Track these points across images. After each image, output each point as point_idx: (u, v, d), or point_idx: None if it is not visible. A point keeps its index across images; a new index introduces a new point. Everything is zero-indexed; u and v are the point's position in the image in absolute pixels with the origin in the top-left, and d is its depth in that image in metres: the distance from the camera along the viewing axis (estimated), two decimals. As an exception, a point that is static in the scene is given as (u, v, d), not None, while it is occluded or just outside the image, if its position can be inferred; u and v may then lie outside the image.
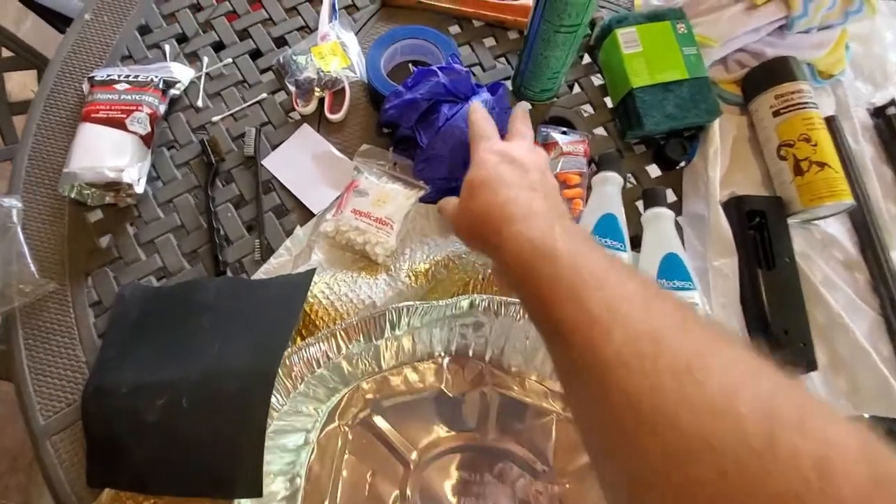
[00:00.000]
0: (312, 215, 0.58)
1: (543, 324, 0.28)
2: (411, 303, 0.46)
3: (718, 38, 0.62)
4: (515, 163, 0.39)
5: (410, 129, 0.56)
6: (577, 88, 0.66)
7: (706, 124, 0.61)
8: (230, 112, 0.63)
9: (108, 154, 0.55)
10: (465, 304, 0.47)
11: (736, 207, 0.58)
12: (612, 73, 0.63)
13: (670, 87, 0.59)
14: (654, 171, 0.64)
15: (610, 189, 0.58)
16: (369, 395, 0.51)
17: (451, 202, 0.43)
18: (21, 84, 0.91)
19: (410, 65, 0.65)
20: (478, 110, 0.47)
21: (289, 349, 0.45)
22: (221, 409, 0.43)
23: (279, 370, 0.44)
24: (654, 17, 0.61)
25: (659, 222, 0.57)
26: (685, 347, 0.22)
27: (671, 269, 0.54)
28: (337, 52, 0.64)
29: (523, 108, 0.49)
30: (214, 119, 0.62)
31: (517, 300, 0.47)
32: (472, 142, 0.44)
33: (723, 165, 0.61)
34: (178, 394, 0.45)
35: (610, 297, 0.25)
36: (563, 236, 0.30)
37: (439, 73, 0.55)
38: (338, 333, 0.45)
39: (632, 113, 0.60)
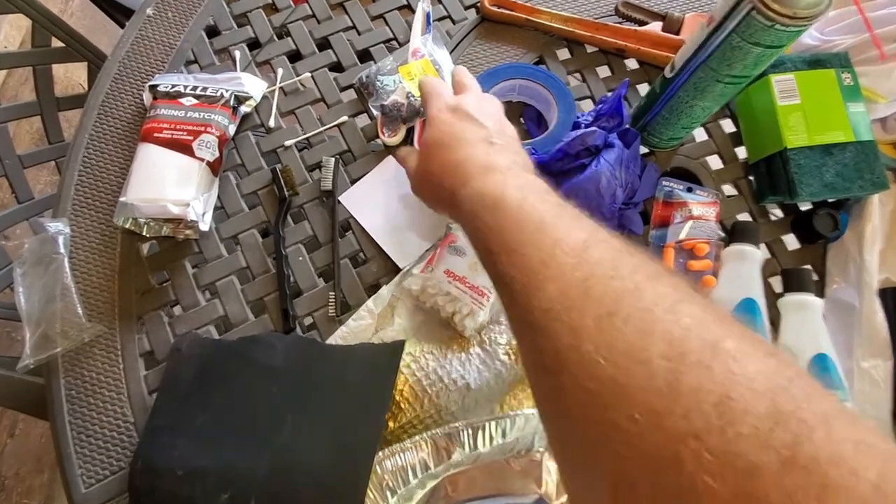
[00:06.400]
0: (395, 267, 0.50)
1: (492, 278, 0.28)
2: (531, 411, 0.38)
3: (888, 94, 0.52)
4: (469, 117, 0.38)
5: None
6: (702, 134, 0.57)
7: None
8: (305, 135, 0.55)
9: (172, 184, 0.47)
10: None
11: (894, 300, 0.49)
12: (757, 125, 0.53)
13: (832, 151, 0.49)
14: (790, 241, 0.54)
15: (748, 267, 0.49)
16: (455, 494, 0.43)
17: (411, 156, 0.42)
18: (66, 76, 0.84)
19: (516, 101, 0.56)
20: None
21: (379, 453, 0.38)
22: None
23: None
24: (816, 62, 0.52)
25: (805, 313, 0.48)
26: (611, 294, 0.22)
27: (819, 375, 0.46)
28: (429, 72, 0.55)
29: (461, 68, 0.46)
30: (287, 143, 0.55)
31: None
32: (424, 100, 0.43)
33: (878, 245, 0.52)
34: (246, 491, 0.38)
35: (550, 247, 0.25)
36: (513, 188, 0.30)
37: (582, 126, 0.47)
38: (439, 440, 0.38)
39: (780, 176, 0.51)
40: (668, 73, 0.47)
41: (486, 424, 0.38)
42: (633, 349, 0.19)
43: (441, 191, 0.35)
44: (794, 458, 0.15)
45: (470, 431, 0.38)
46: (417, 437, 0.38)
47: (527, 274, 0.24)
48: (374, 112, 0.55)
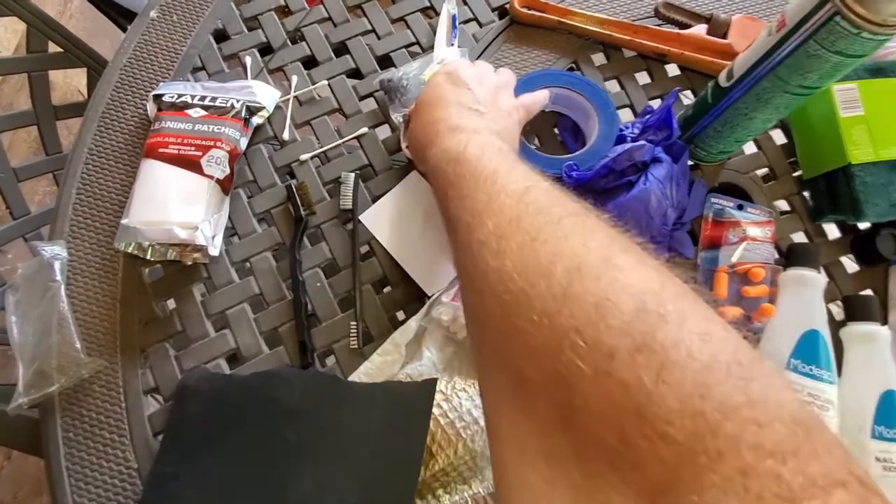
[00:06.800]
0: (422, 294, 0.46)
1: (445, 222, 0.31)
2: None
3: (960, 104, 0.47)
4: (460, 82, 0.40)
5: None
6: (751, 147, 0.53)
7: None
8: (322, 149, 0.51)
9: (178, 205, 0.43)
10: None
11: (970, 330, 0.45)
12: (815, 138, 0.49)
13: (900, 167, 0.45)
14: (848, 263, 0.50)
15: (810, 294, 0.44)
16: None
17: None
18: (65, 81, 0.80)
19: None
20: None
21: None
22: None
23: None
24: (878, 71, 0.47)
25: (871, 345, 0.44)
26: (536, 225, 0.24)
27: (890, 415, 0.41)
28: None
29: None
30: (303, 157, 0.50)
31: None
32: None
33: (948, 268, 0.47)
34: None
35: (497, 192, 0.27)
36: (474, 145, 0.32)
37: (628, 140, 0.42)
38: (483, 501, 0.34)
39: (842, 194, 0.46)
40: (723, 82, 0.43)
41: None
42: (542, 265, 0.22)
43: (419, 147, 0.39)
44: (644, 343, 0.18)
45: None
46: (457, 498, 0.33)
47: (472, 214, 0.27)
48: (396, 120, 0.51)
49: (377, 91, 0.53)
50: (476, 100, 0.39)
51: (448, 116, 0.37)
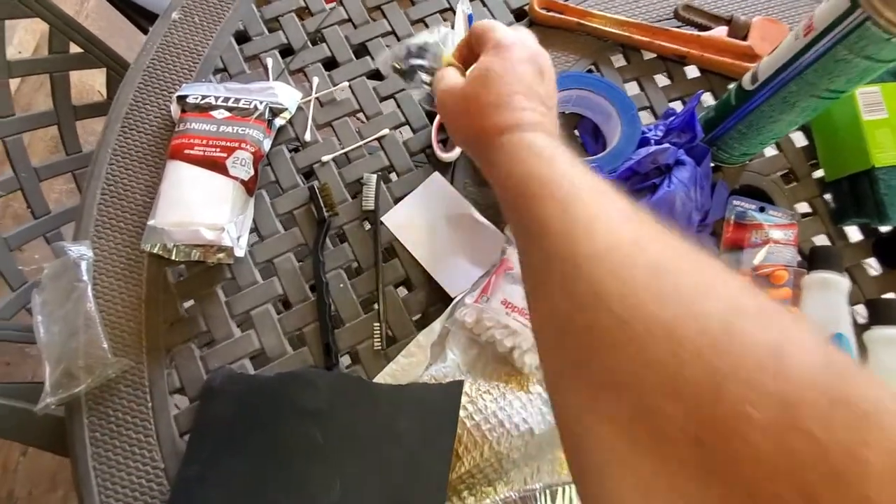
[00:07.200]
0: (445, 296, 0.46)
1: (520, 220, 0.28)
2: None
3: None
4: (543, 71, 0.35)
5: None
6: (772, 149, 0.53)
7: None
8: (344, 150, 0.51)
9: (204, 206, 0.43)
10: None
11: None
12: (838, 140, 0.49)
13: (925, 170, 0.45)
14: (871, 266, 0.50)
15: (834, 297, 0.45)
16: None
17: (451, 78, 0.37)
18: (80, 81, 0.80)
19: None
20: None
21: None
22: None
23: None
24: (903, 72, 0.47)
25: (895, 349, 0.44)
26: (663, 255, 0.23)
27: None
28: None
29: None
30: (325, 158, 0.50)
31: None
32: (486, 32, 0.36)
33: (972, 272, 0.47)
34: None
35: (596, 205, 0.25)
36: (564, 148, 0.30)
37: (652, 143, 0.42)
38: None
39: (867, 197, 0.46)
40: (747, 85, 0.43)
41: (567, 487, 0.34)
42: (685, 298, 0.20)
43: (484, 121, 0.33)
44: (839, 398, 0.16)
45: (548, 494, 0.34)
46: (488, 501, 0.34)
47: (573, 221, 0.25)
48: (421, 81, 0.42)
49: (401, 64, 0.42)
50: (546, 95, 0.34)
51: (532, 107, 0.33)
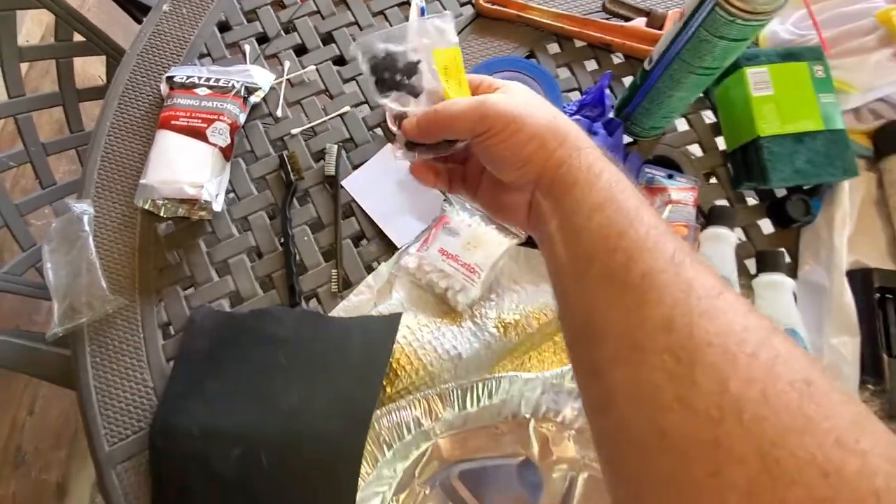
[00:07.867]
0: (393, 247, 0.54)
1: (564, 251, 0.27)
2: (515, 374, 0.42)
3: (861, 86, 0.55)
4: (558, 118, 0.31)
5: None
6: (684, 125, 0.60)
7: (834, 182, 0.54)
8: (310, 124, 0.59)
9: (187, 167, 0.51)
10: (570, 375, 0.43)
11: (862, 282, 0.52)
12: (733, 115, 0.57)
13: (802, 139, 0.53)
14: (766, 225, 0.58)
15: (723, 248, 0.52)
16: (448, 454, 0.47)
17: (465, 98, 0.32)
18: (83, 69, 0.88)
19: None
20: None
21: (377, 411, 0.42)
22: (308, 479, 0.40)
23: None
24: (789, 56, 0.55)
25: (776, 292, 0.51)
26: (753, 336, 0.21)
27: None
28: (458, 63, 0.59)
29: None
30: (293, 131, 0.58)
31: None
32: (483, 80, 0.34)
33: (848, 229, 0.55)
34: (256, 447, 0.42)
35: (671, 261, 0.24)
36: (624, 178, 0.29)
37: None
38: (431, 400, 0.42)
39: (754, 163, 0.54)
40: (647, 66, 0.51)
41: (474, 385, 0.42)
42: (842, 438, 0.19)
43: (537, 155, 0.30)
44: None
45: (459, 392, 0.42)
46: (411, 397, 0.41)
47: (678, 298, 0.22)
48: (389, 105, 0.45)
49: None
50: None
51: (576, 144, 0.30)
